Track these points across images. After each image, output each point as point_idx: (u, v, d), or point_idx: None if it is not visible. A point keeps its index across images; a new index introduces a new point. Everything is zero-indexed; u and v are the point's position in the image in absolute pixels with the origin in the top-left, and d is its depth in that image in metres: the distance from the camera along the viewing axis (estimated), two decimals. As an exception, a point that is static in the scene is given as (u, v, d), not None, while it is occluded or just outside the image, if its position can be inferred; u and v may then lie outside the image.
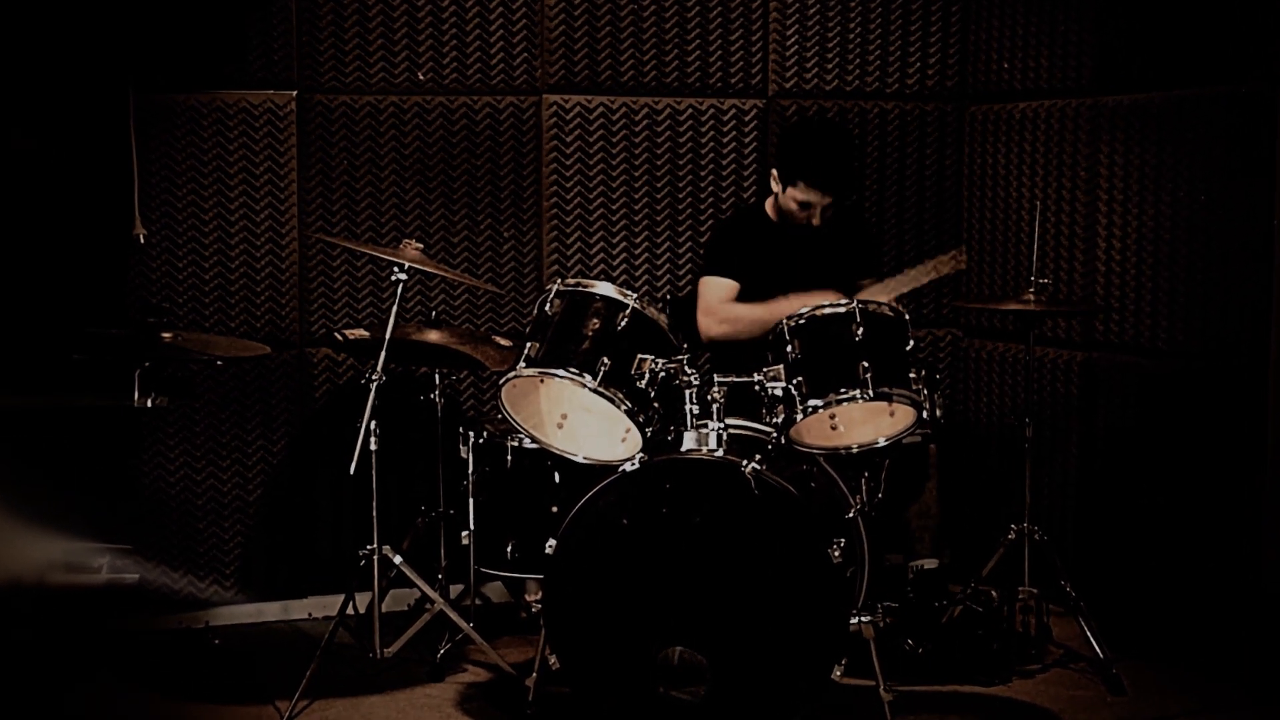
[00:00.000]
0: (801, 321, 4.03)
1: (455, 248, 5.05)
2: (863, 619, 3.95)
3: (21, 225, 4.44)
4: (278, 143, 4.83)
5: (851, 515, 4.23)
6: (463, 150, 5.01)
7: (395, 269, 4.14)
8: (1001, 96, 5.24)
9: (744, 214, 4.94)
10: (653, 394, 3.96)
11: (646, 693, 3.78)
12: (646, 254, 5.22)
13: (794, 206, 4.57)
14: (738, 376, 4.05)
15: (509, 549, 4.41)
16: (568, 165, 5.11)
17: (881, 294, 4.47)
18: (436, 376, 4.54)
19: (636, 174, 5.18)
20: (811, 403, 3.95)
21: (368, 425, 4.04)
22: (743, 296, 4.63)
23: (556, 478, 4.37)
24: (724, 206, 5.23)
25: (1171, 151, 4.62)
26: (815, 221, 4.56)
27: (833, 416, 4.09)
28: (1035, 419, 4.56)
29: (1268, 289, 4.32)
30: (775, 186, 4.64)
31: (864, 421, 4.10)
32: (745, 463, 3.80)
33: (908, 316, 4.10)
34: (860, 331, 3.97)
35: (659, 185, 5.20)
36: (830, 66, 5.29)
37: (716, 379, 4.01)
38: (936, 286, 5.43)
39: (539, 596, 4.37)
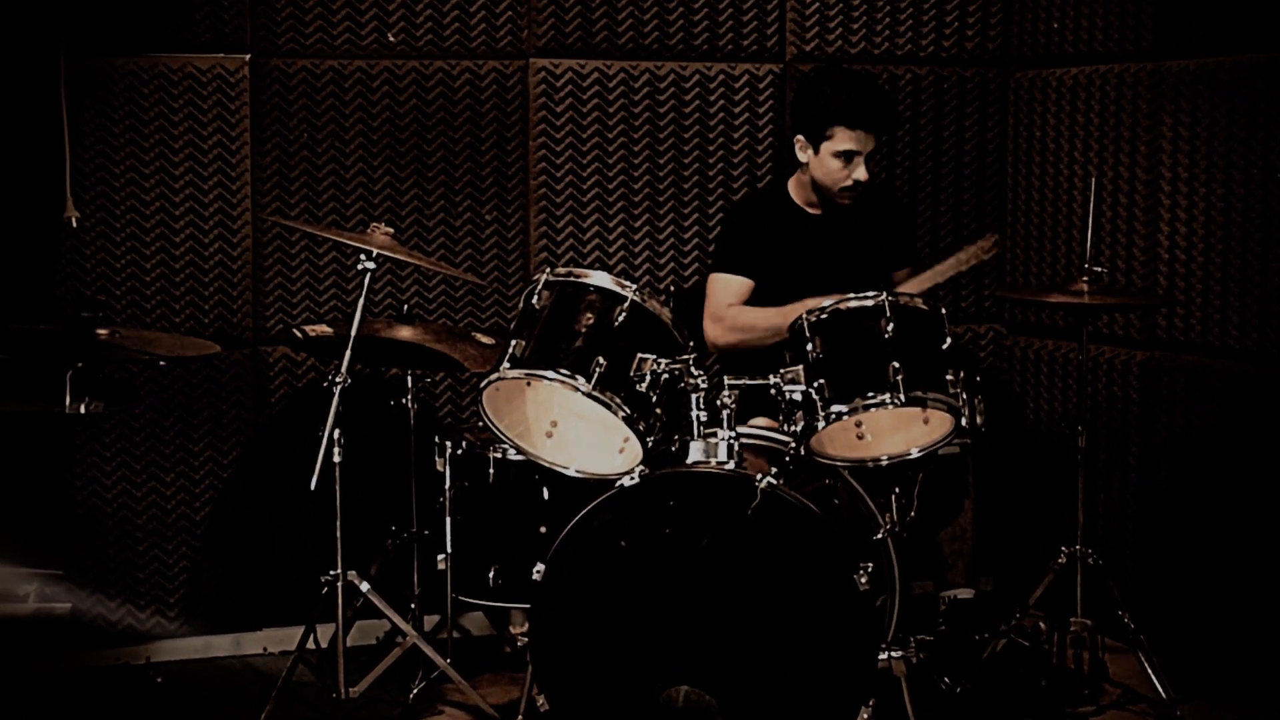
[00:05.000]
0: (824, 316, 4.03)
1: (430, 232, 5.05)
2: (893, 654, 3.94)
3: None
4: (229, 113, 4.82)
5: (880, 536, 4.23)
6: (439, 122, 5.01)
7: (362, 257, 4.14)
8: (1050, 61, 5.24)
9: (759, 197, 4.93)
10: (654, 398, 3.96)
11: (647, 738, 3.78)
12: (647, 240, 5.22)
13: (834, 166, 4.54)
14: (751, 378, 4.05)
15: (491, 575, 4.40)
16: (558, 139, 5.11)
17: (910, 289, 4.46)
18: (409, 379, 4.54)
19: (636, 149, 5.17)
20: (835, 409, 3.95)
21: (330, 434, 4.04)
22: (760, 294, 4.62)
23: (545, 494, 4.37)
24: (735, 185, 5.23)
25: (1244, 123, 4.61)
26: (862, 177, 4.53)
27: (859, 424, 4.09)
28: (1089, 427, 4.55)
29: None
30: (803, 154, 4.62)
31: (894, 430, 4.10)
32: (760, 476, 3.80)
33: (944, 311, 4.10)
34: (890, 328, 3.97)
35: (661, 162, 5.20)
36: (856, 26, 5.28)
37: (727, 381, 4.01)
38: (976, 275, 5.43)
39: (525, 629, 4.36)
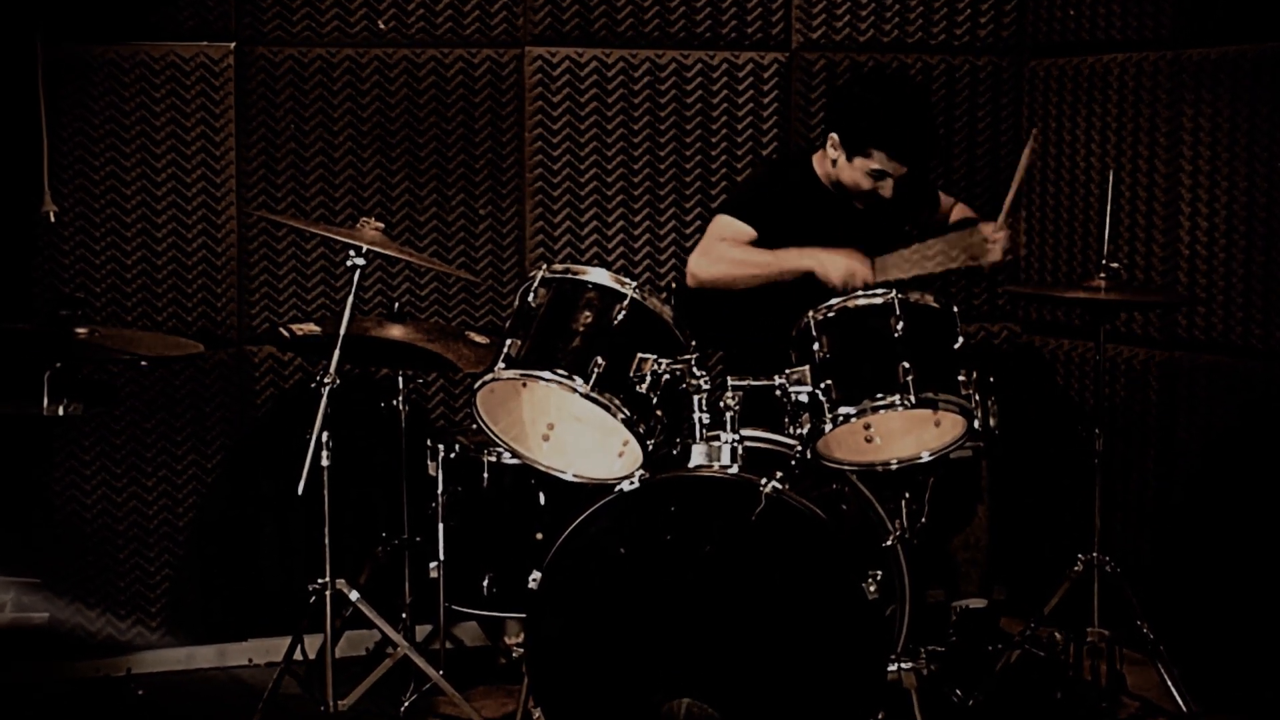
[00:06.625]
0: (830, 315, 4.03)
1: (422, 228, 5.04)
2: (903, 665, 3.93)
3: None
4: (213, 104, 4.82)
5: (890, 543, 4.22)
6: (431, 113, 5.00)
7: (351, 253, 4.12)
8: (1067, 49, 5.23)
9: (786, 164, 4.93)
10: (655, 400, 3.95)
11: (647, 753, 3.78)
12: (648, 235, 5.21)
13: (862, 178, 4.52)
14: (755, 379, 4.04)
15: (485, 583, 4.40)
16: (555, 130, 5.10)
17: (899, 268, 4.42)
18: (400, 379, 4.53)
19: (636, 140, 5.17)
20: (843, 410, 3.94)
21: (318, 437, 4.03)
22: None
23: (541, 499, 4.37)
24: (738, 179, 5.22)
25: (1267, 114, 4.61)
26: (886, 194, 4.52)
27: (868, 427, 4.08)
28: (1106, 430, 4.54)
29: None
30: (834, 152, 4.58)
31: (905, 433, 4.10)
32: (764, 481, 3.79)
33: (956, 309, 4.09)
34: (900, 327, 3.96)
35: (662, 154, 5.19)
36: (865, 14, 5.28)
37: (730, 382, 4.00)
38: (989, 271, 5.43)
39: (520, 639, 4.35)
